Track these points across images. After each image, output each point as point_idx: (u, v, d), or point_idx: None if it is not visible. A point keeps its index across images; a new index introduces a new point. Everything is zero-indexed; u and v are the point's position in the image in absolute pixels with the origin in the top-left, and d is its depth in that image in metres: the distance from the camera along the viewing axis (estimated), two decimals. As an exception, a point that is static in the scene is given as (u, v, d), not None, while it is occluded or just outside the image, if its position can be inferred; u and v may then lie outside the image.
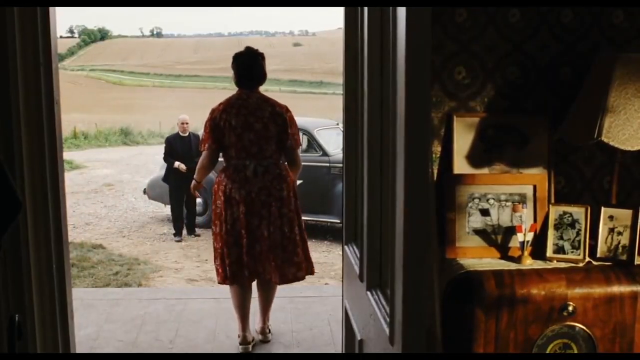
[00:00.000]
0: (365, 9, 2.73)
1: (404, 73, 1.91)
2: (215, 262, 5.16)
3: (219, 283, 5.20)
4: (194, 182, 5.45)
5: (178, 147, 10.44)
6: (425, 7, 1.88)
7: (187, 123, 10.57)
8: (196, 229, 10.60)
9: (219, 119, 4.94)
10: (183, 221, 10.50)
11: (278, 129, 4.94)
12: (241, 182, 4.91)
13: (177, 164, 10.23)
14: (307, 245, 5.24)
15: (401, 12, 1.94)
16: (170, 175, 10.45)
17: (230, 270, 4.99)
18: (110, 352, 5.08)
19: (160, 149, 10.84)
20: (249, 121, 4.89)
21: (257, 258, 4.97)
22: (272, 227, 4.96)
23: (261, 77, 5.04)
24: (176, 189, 10.28)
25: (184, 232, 10.47)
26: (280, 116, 4.96)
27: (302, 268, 5.11)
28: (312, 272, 5.27)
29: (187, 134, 10.57)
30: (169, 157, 10.47)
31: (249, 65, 5.02)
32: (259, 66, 5.02)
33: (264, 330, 5.31)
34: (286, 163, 5.16)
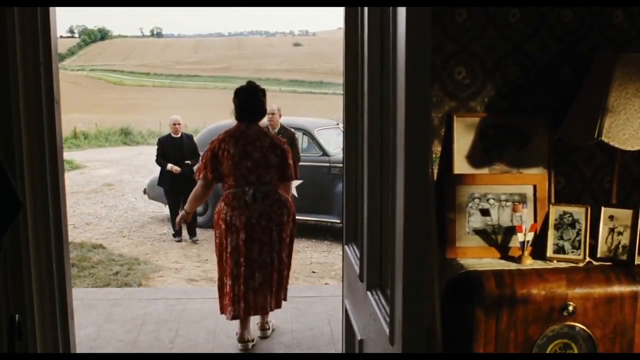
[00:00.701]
0: (366, 9, 2.73)
1: (404, 73, 1.91)
2: (218, 291, 5.22)
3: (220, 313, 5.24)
4: (183, 212, 5.44)
5: (170, 148, 10.24)
6: (425, 7, 1.88)
7: (179, 124, 10.35)
8: (196, 230, 10.56)
9: (217, 148, 5.01)
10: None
11: (278, 159, 5.02)
12: (241, 209, 4.94)
13: (169, 166, 10.04)
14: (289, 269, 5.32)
15: (401, 12, 1.94)
16: (164, 177, 10.30)
17: (230, 302, 5.02)
18: (110, 352, 5.08)
19: (161, 149, 10.79)
20: (247, 150, 4.96)
21: (257, 290, 5.00)
22: (274, 253, 5.02)
23: (261, 111, 5.15)
24: (172, 191, 10.17)
25: (185, 233, 10.39)
26: (279, 147, 5.04)
27: (286, 295, 5.24)
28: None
29: (179, 134, 10.36)
30: (161, 159, 10.28)
31: (249, 100, 5.11)
32: (259, 101, 5.12)
33: (264, 326, 5.33)
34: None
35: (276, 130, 9.05)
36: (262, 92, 5.18)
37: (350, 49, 3.21)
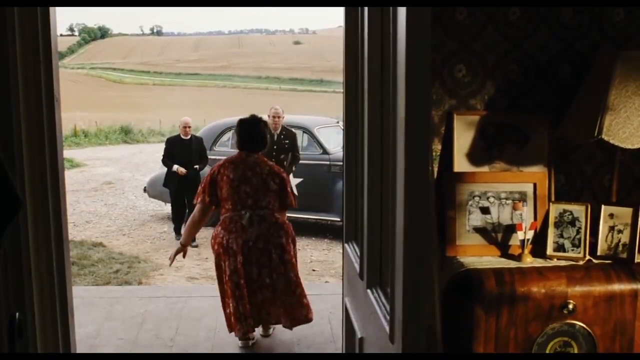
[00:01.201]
0: (366, 8, 2.72)
1: (404, 71, 1.91)
2: (223, 310, 5.21)
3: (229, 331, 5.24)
4: (179, 246, 5.37)
5: (178, 149, 10.00)
6: (425, 7, 1.87)
7: (189, 127, 10.11)
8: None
9: (217, 173, 5.11)
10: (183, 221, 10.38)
11: (277, 186, 5.12)
12: (238, 232, 4.99)
13: (175, 167, 9.83)
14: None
15: (401, 11, 1.94)
16: (170, 179, 10.11)
17: (236, 321, 5.02)
18: (110, 350, 5.08)
19: (161, 147, 10.75)
20: (247, 175, 5.06)
21: (260, 305, 5.03)
22: (274, 274, 5.02)
23: (262, 142, 5.28)
24: (177, 193, 10.07)
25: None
26: (278, 176, 5.17)
27: (310, 309, 5.20)
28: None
29: (188, 137, 10.09)
30: (167, 159, 10.07)
31: (251, 132, 5.24)
32: (260, 132, 5.26)
33: (266, 326, 5.34)
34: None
35: (278, 132, 9.19)
36: (264, 124, 5.35)
37: (350, 47, 3.21)
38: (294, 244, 5.18)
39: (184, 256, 5.41)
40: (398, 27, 2.00)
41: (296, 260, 5.21)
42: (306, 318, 5.15)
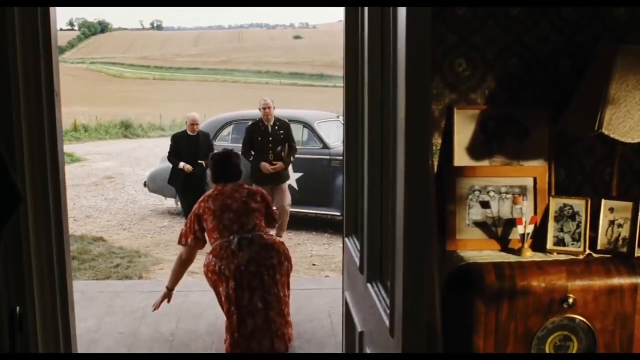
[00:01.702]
0: (366, 7, 2.72)
1: (404, 66, 1.91)
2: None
3: None
4: (166, 291, 5.38)
5: (185, 146, 9.56)
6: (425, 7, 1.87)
7: (197, 124, 9.74)
8: None
9: (198, 208, 5.23)
10: None
11: (258, 205, 5.25)
12: (229, 258, 5.00)
13: (182, 164, 9.38)
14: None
15: (402, 9, 1.94)
16: (176, 176, 9.70)
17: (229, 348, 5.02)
18: (111, 344, 5.09)
19: (161, 142, 10.75)
20: (227, 203, 5.17)
21: (250, 335, 4.97)
22: (267, 296, 5.00)
23: (235, 173, 5.42)
24: (184, 190, 9.62)
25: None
26: (257, 194, 5.34)
27: (291, 325, 5.24)
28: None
29: (195, 133, 9.66)
30: (173, 156, 9.63)
31: (224, 165, 5.42)
32: (232, 164, 5.43)
33: None
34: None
35: (271, 124, 9.14)
36: (235, 155, 5.54)
37: (350, 41, 3.21)
38: (288, 261, 5.16)
39: (168, 301, 5.38)
40: (398, 20, 2.00)
41: (288, 278, 5.18)
42: (290, 337, 5.19)
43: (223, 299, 5.00)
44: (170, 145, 9.78)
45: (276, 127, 9.18)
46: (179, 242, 5.32)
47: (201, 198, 5.29)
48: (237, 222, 5.09)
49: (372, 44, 2.67)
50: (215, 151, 5.65)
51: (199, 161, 9.48)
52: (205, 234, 5.21)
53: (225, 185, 5.26)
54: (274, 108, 9.25)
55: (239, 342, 4.91)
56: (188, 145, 9.62)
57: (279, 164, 9.03)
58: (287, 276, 5.15)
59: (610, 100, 2.61)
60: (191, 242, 5.21)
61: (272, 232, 8.39)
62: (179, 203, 10.90)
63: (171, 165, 9.73)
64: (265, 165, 8.97)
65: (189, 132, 9.70)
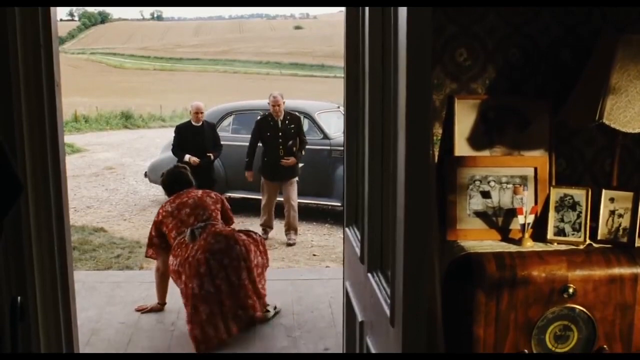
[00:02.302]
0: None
1: (405, 56, 1.91)
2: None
3: None
4: (157, 305, 5.65)
5: (189, 137, 8.97)
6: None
7: (201, 113, 9.15)
8: None
9: (157, 216, 5.54)
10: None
11: (214, 200, 5.57)
12: (182, 254, 5.17)
13: (187, 157, 8.64)
14: (256, 284, 5.31)
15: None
16: None
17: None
18: (112, 334, 5.10)
19: (162, 132, 10.71)
20: (183, 200, 5.47)
21: (206, 322, 5.01)
22: (218, 281, 5.08)
23: (185, 182, 5.79)
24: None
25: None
26: (212, 193, 5.70)
27: (255, 308, 5.27)
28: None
29: (200, 123, 9.09)
30: (178, 149, 8.97)
31: (174, 176, 5.87)
32: (183, 175, 5.85)
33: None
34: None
35: (281, 118, 8.90)
36: (184, 168, 5.96)
37: (351, 32, 3.21)
38: (241, 245, 5.23)
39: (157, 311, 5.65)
40: (399, 11, 1.99)
41: (244, 262, 5.22)
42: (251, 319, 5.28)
43: (180, 293, 5.17)
44: (174, 137, 9.21)
45: (287, 122, 8.97)
46: (146, 255, 5.70)
47: (160, 207, 5.57)
48: (193, 215, 5.34)
49: (372, 34, 2.66)
50: (164, 170, 6.11)
51: (207, 154, 8.92)
52: (167, 238, 5.38)
53: (181, 192, 5.57)
54: (284, 103, 9.02)
55: (195, 330, 4.97)
56: (193, 136, 9.03)
57: (292, 159, 8.88)
58: (240, 260, 5.18)
59: (611, 90, 2.61)
60: (152, 254, 5.54)
61: (292, 235, 8.95)
62: None
63: (173, 157, 9.34)
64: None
65: (193, 123, 9.13)
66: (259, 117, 9.27)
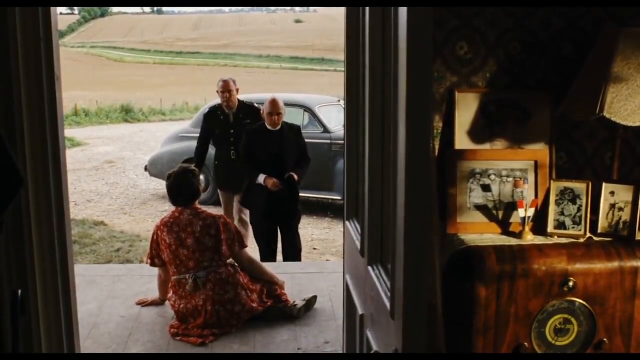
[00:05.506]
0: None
1: (406, 48, 1.90)
2: None
3: None
4: (158, 300, 5.55)
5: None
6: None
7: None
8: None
9: (156, 236, 5.24)
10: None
11: (213, 240, 5.13)
12: (186, 298, 5.08)
13: (262, 177, 6.63)
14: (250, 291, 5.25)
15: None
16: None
17: None
18: (112, 327, 5.10)
19: (162, 126, 10.68)
20: (181, 237, 5.12)
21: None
22: (227, 328, 5.04)
23: (192, 194, 5.28)
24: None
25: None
26: (212, 227, 5.14)
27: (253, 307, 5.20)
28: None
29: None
30: (247, 161, 6.73)
31: (178, 185, 5.27)
32: (189, 184, 5.27)
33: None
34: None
35: (234, 111, 7.21)
36: (193, 174, 5.33)
37: (351, 26, 3.20)
38: (246, 290, 5.16)
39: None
40: (399, 11, 1.99)
41: (252, 303, 5.17)
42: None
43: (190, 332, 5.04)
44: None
45: (240, 116, 7.24)
46: (146, 262, 5.48)
47: (158, 223, 5.26)
48: (192, 259, 5.09)
49: (373, 27, 2.66)
50: (170, 171, 5.40)
51: (290, 173, 6.76)
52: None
53: (183, 211, 5.18)
54: (237, 90, 7.31)
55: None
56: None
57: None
58: (244, 304, 5.11)
59: (612, 84, 2.61)
60: (158, 262, 5.32)
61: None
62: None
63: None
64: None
65: (267, 126, 6.61)
66: (207, 110, 7.83)
